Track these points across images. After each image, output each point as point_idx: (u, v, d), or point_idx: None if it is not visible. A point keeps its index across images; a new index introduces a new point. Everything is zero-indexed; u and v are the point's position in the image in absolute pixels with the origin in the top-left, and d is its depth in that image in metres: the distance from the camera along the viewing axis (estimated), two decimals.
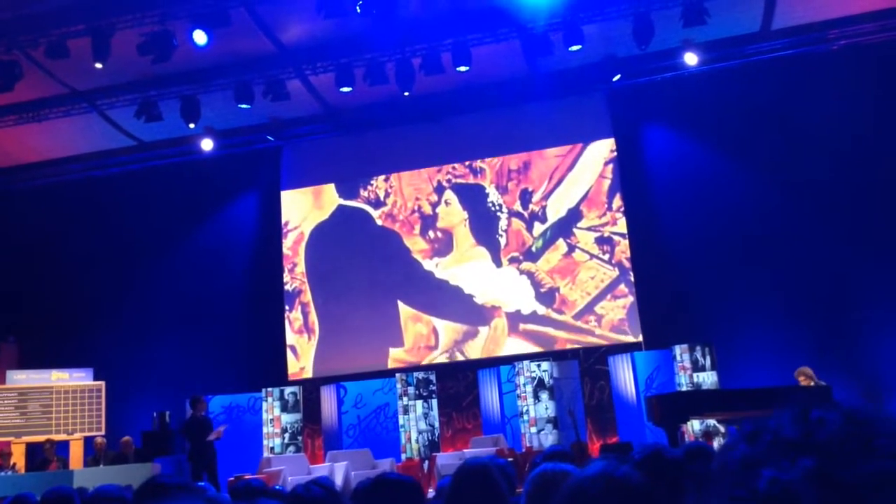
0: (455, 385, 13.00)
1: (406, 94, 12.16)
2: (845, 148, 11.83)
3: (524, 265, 13.20)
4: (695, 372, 11.47)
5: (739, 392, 8.56)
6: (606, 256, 12.90)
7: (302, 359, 13.78)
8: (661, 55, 12.39)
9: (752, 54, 12.43)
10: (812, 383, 9.35)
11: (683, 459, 2.54)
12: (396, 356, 13.40)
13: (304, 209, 14.36)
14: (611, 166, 13.19)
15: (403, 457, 12.03)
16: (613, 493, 1.40)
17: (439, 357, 13.23)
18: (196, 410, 11.11)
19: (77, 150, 14.30)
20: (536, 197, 13.39)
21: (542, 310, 12.97)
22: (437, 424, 12.37)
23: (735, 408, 8.03)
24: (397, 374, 12.55)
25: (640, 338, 12.52)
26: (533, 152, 13.54)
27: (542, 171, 13.48)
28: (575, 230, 13.12)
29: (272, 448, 12.47)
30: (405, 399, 12.34)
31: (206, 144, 13.89)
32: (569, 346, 12.76)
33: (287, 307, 13.99)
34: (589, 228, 13.08)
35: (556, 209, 13.26)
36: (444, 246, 13.59)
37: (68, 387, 12.85)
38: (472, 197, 13.66)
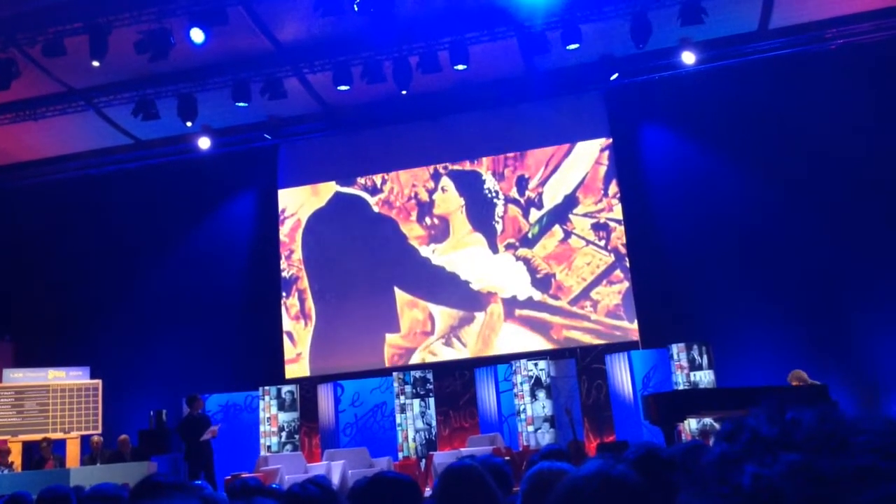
0: (452, 384, 13.01)
1: (403, 92, 12.16)
2: (842, 147, 11.84)
3: (520, 251, 13.26)
4: (691, 371, 11.49)
5: (736, 391, 8.57)
6: (602, 242, 12.97)
7: (298, 345, 13.81)
8: (658, 54, 12.40)
9: (749, 53, 12.44)
10: (805, 386, 9.32)
11: (678, 458, 2.54)
12: (393, 342, 13.44)
13: (301, 197, 14.41)
14: (607, 153, 13.25)
15: (400, 455, 12.03)
16: (609, 491, 1.40)
17: (435, 342, 13.27)
18: (192, 409, 11.10)
19: (74, 148, 14.28)
20: (533, 184, 13.45)
21: (537, 296, 13.03)
22: (434, 423, 12.38)
23: (732, 407, 8.03)
24: (394, 373, 12.56)
25: (636, 324, 12.57)
26: (529, 151, 13.57)
27: (539, 158, 13.54)
28: (571, 216, 13.20)
29: (269, 446, 12.47)
30: (402, 398, 12.34)
31: (204, 143, 13.88)
32: (564, 333, 12.82)
33: (284, 294, 14.03)
34: (585, 215, 13.15)
35: (553, 196, 13.33)
36: (440, 232, 13.65)
37: (65, 385, 12.83)
38: (468, 184, 13.71)
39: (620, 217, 12.97)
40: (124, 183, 14.42)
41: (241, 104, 12.33)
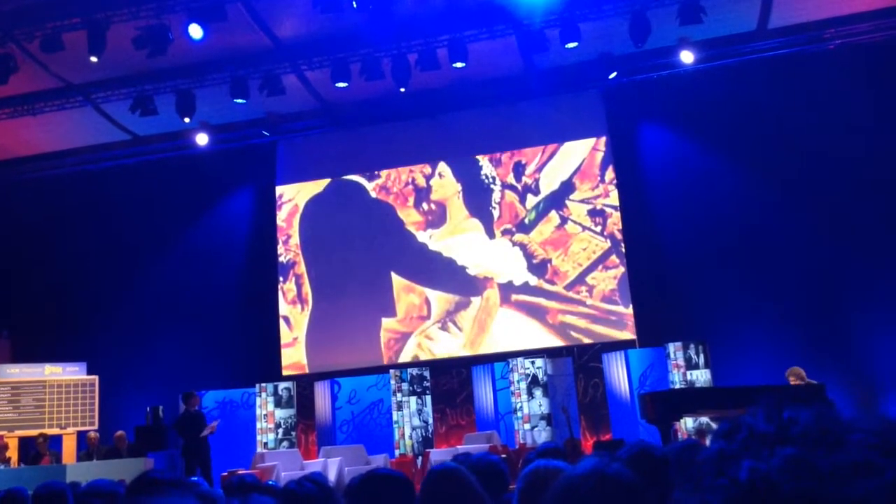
0: (449, 381, 13.01)
1: (402, 90, 12.15)
2: (840, 147, 11.85)
3: (517, 237, 13.32)
4: (688, 370, 11.50)
5: (732, 390, 8.58)
6: (598, 228, 13.03)
7: (295, 329, 13.84)
8: (657, 53, 12.40)
9: (748, 53, 12.44)
10: (803, 384, 9.35)
11: (673, 457, 2.54)
12: (389, 326, 13.48)
13: (298, 183, 14.48)
14: (604, 139, 13.29)
15: (397, 453, 12.04)
16: (605, 489, 1.40)
17: (431, 327, 13.30)
18: (188, 405, 11.10)
19: (72, 143, 14.26)
20: (530, 169, 13.50)
21: (533, 281, 13.09)
22: (430, 421, 12.38)
23: (728, 406, 8.04)
24: (391, 370, 12.56)
25: (630, 308, 12.61)
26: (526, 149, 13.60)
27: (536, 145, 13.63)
28: (567, 202, 13.24)
29: (266, 443, 12.47)
30: (399, 395, 12.35)
31: (202, 139, 13.86)
32: (560, 318, 12.87)
33: (281, 278, 14.06)
34: (582, 201, 13.19)
35: (549, 182, 13.38)
36: (437, 218, 13.70)
37: (61, 381, 12.82)
38: (465, 170, 13.76)
39: (616, 203, 13.04)
40: (122, 179, 14.40)
41: (240, 101, 12.32)
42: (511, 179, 13.53)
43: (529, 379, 11.89)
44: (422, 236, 13.68)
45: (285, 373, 13.56)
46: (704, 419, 10.62)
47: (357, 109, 13.62)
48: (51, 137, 13.93)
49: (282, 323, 13.87)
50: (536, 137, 13.49)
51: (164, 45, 10.88)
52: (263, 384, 12.74)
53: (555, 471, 2.03)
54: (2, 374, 12.78)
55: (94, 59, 11.02)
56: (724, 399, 8.29)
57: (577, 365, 12.39)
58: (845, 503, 0.57)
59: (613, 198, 13.08)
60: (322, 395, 12.91)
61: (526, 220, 13.34)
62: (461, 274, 13.36)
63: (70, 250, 14.19)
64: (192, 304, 13.74)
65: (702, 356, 11.55)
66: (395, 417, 12.33)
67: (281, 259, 14.16)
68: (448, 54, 11.72)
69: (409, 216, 13.82)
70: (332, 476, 10.58)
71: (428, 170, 13.93)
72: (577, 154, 13.36)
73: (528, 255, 13.20)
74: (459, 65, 11.78)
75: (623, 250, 12.85)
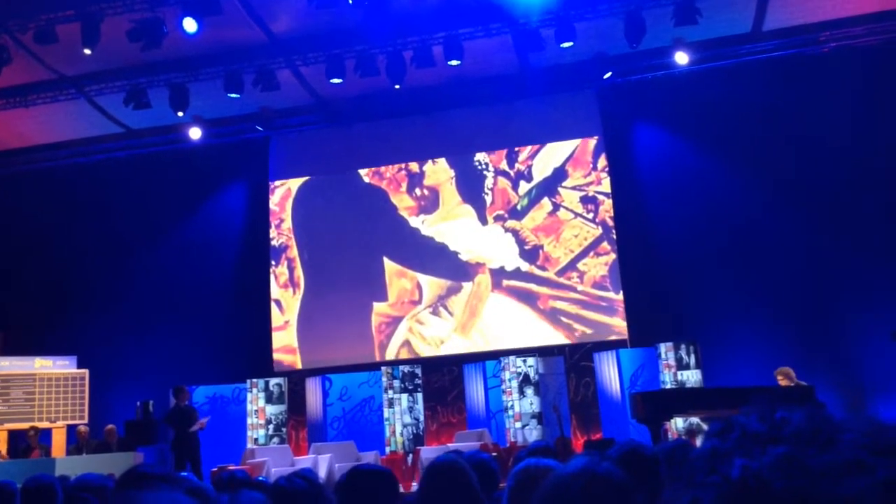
0: (440, 379, 13.02)
1: (397, 86, 12.15)
2: (834, 149, 11.90)
3: (509, 223, 13.36)
4: (679, 370, 11.53)
5: (723, 390, 8.61)
6: (590, 215, 13.09)
7: (287, 312, 13.84)
8: (652, 54, 12.41)
9: (743, 55, 12.47)
10: (792, 384, 9.38)
11: (662, 456, 2.55)
12: (380, 310, 13.50)
13: (290, 179, 14.49)
14: (598, 138, 13.32)
15: (388, 450, 12.04)
16: (595, 488, 1.40)
17: (423, 311, 13.33)
18: (179, 400, 11.08)
19: (64, 136, 14.20)
20: (522, 156, 13.55)
21: (525, 266, 13.14)
22: (422, 418, 12.39)
23: (719, 406, 8.07)
24: (383, 367, 12.56)
25: (621, 294, 12.67)
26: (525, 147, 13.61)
27: None
28: (560, 189, 13.29)
29: (256, 439, 12.46)
30: (390, 392, 12.34)
31: (195, 133, 13.82)
32: (550, 303, 12.92)
33: (273, 262, 14.06)
34: (574, 188, 13.24)
35: (542, 169, 13.43)
36: (430, 203, 13.73)
37: (51, 374, 12.78)
38: (458, 157, 13.76)
39: (608, 190, 13.10)
40: (114, 172, 14.34)
41: (234, 95, 12.29)
42: (504, 166, 13.59)
43: (521, 377, 11.90)
44: (414, 221, 13.72)
45: (276, 356, 13.57)
46: (694, 419, 10.65)
47: (352, 106, 13.61)
48: (43, 130, 13.87)
49: (273, 306, 13.87)
50: (531, 136, 13.51)
51: (158, 38, 10.84)
52: (254, 380, 12.73)
53: (545, 469, 2.03)
54: None
55: (87, 51, 10.98)
56: (715, 399, 8.32)
57: (569, 364, 12.41)
58: (836, 501, 0.58)
59: (605, 185, 13.15)
60: (313, 392, 12.89)
61: (518, 207, 13.40)
62: (453, 259, 13.41)
63: (61, 243, 14.14)
64: (183, 298, 13.71)
65: (693, 356, 11.58)
66: (386, 414, 12.33)
67: (273, 243, 14.17)
68: (443, 52, 11.72)
69: (402, 201, 13.85)
70: (322, 473, 10.57)
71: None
72: (570, 142, 13.44)
73: (520, 241, 13.26)
74: (455, 62, 11.78)
75: (614, 237, 12.93)
